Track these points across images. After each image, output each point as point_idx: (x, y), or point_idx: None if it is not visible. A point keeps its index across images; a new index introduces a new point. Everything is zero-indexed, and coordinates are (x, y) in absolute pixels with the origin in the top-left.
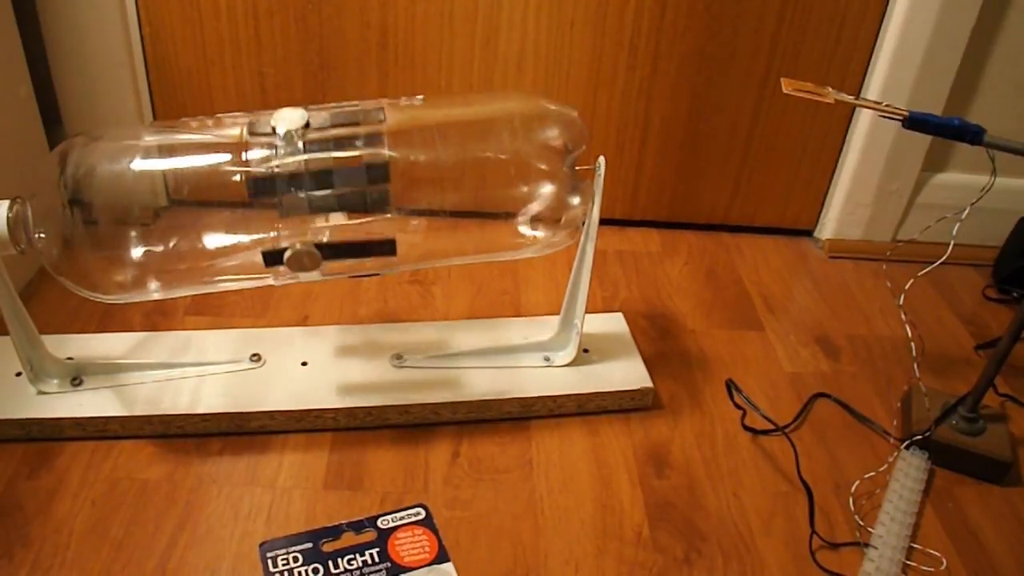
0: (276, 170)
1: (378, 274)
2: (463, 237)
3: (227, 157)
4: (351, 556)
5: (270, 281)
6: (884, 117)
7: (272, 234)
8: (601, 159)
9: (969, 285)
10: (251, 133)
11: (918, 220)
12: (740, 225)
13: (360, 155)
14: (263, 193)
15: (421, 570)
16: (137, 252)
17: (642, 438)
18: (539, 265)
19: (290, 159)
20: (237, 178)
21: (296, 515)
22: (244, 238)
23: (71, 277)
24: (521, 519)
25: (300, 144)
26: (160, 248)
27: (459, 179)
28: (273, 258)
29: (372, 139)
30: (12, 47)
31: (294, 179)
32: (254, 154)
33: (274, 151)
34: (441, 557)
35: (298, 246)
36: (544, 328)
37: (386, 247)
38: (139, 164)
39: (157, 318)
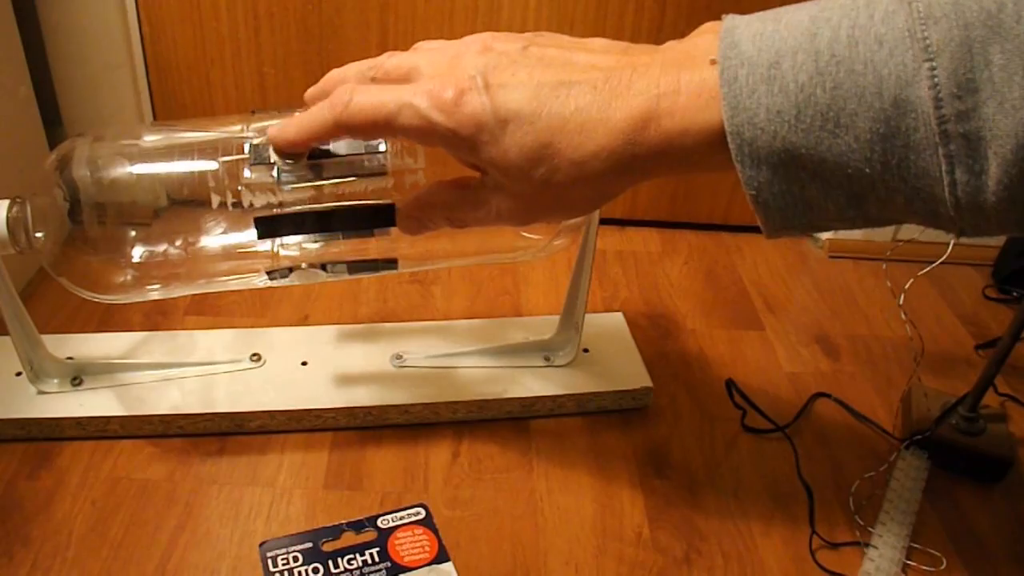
0: (278, 210)
1: (377, 271)
2: (463, 239)
3: (228, 155)
4: (351, 556)
5: (270, 283)
6: None
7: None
8: None
9: (969, 285)
10: (251, 165)
11: None
12: (740, 225)
13: (364, 200)
14: (269, 234)
15: (421, 570)
16: (137, 252)
17: (642, 438)
18: (539, 265)
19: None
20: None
21: (296, 515)
22: (244, 238)
23: (70, 277)
24: (521, 519)
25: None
26: (160, 248)
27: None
28: (278, 276)
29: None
30: (12, 47)
31: (298, 218)
32: (258, 197)
33: (274, 188)
34: (441, 557)
35: (303, 266)
36: (544, 328)
37: (389, 265)
38: (139, 164)
39: (157, 318)
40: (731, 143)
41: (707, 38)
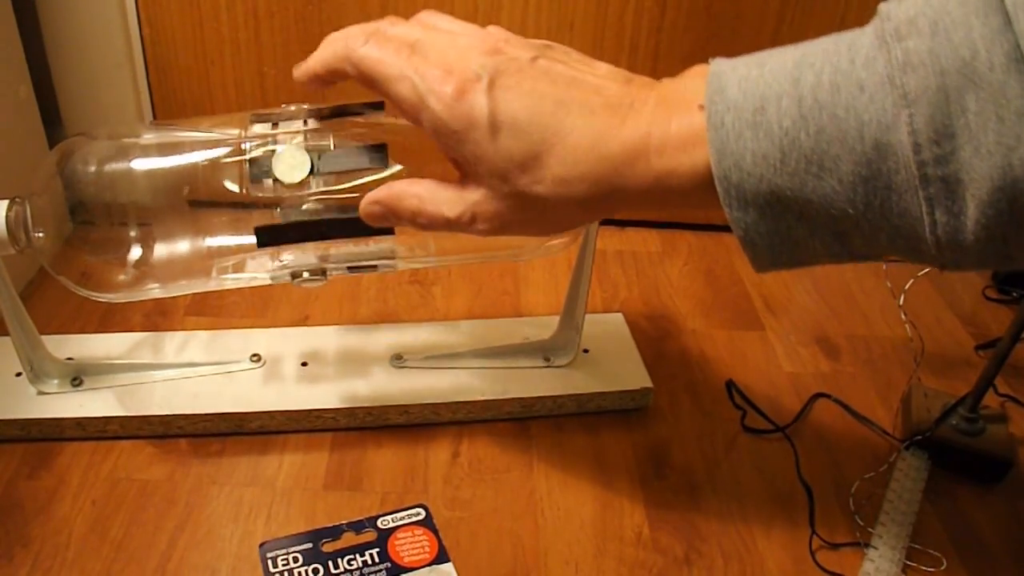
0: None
1: (375, 268)
2: (463, 236)
3: (228, 154)
4: (351, 556)
5: (269, 281)
6: None
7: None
8: None
9: (969, 285)
10: (252, 182)
11: None
12: None
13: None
14: (270, 243)
15: (421, 570)
16: (136, 252)
17: (642, 438)
18: (539, 265)
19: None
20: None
21: (296, 515)
22: (245, 238)
23: (70, 277)
24: (521, 519)
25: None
26: (160, 248)
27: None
28: (279, 278)
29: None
30: (12, 47)
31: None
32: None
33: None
34: (441, 557)
35: (305, 275)
36: (544, 328)
37: (388, 265)
38: (139, 163)
39: (157, 318)
40: (719, 187)
41: (696, 82)
